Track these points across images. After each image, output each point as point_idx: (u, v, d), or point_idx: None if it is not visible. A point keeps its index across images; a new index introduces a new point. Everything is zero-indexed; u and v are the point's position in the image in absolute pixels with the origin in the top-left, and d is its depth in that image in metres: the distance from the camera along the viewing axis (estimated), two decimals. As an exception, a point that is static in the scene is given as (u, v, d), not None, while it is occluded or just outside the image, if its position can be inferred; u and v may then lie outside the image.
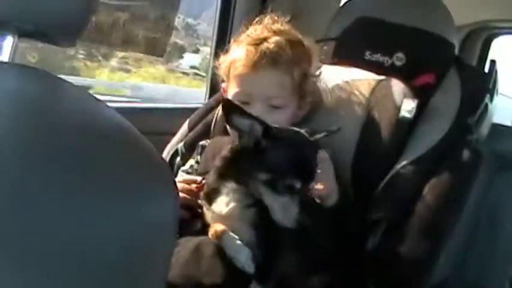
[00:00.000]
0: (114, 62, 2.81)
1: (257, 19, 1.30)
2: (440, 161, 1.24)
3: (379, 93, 1.36)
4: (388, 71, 1.41)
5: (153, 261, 0.54)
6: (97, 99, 0.60)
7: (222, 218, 1.07)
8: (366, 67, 1.43)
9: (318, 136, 1.07)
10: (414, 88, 1.34)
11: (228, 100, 1.03)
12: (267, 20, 1.29)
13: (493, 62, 1.36)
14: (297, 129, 1.04)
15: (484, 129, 1.30)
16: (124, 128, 0.57)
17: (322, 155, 1.07)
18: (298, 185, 0.96)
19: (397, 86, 1.34)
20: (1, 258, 0.41)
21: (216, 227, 1.07)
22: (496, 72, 1.34)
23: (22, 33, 0.62)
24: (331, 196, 1.10)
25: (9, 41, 0.62)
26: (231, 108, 0.95)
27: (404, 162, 1.25)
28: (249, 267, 1.00)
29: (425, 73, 1.38)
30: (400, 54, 1.42)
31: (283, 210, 0.97)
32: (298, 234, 1.02)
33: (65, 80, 0.60)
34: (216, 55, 1.36)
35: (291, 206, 0.96)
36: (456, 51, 1.51)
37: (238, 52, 1.25)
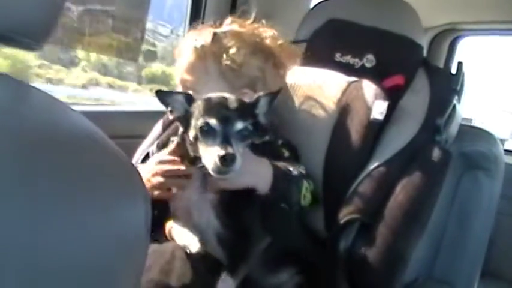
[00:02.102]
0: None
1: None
2: (410, 162, 1.26)
3: (350, 94, 1.36)
4: (359, 72, 1.42)
5: (125, 270, 0.52)
6: (64, 104, 0.58)
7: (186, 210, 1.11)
8: (337, 68, 1.44)
9: (258, 95, 1.11)
10: (384, 89, 1.35)
11: (157, 90, 1.11)
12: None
13: (460, 63, 1.38)
14: (227, 95, 1.09)
15: (453, 130, 1.32)
16: (92, 134, 0.56)
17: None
18: (215, 125, 1.01)
19: (368, 88, 1.35)
20: None
21: (168, 225, 1.14)
22: (464, 73, 1.36)
23: (-15, 38, 0.60)
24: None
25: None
26: (159, 93, 1.09)
27: (375, 164, 1.26)
28: (194, 246, 1.06)
29: (395, 75, 1.39)
30: (370, 56, 1.43)
31: (210, 157, 0.99)
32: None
33: (30, 85, 0.58)
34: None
35: (215, 154, 0.98)
36: (424, 52, 1.53)
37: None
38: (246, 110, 1.06)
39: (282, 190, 1.13)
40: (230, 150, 0.96)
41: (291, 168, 1.18)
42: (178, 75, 1.31)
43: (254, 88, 1.28)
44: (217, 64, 1.26)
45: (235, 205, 1.08)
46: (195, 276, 1.06)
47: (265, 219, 1.09)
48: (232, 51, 1.26)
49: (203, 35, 1.29)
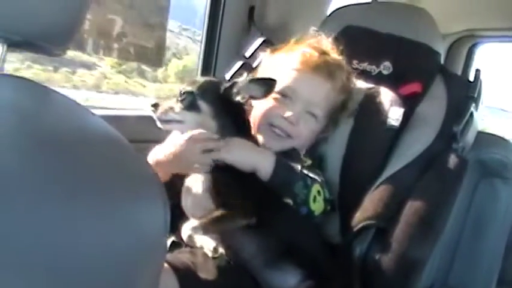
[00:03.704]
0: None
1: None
2: (427, 169, 1.26)
3: (366, 101, 1.37)
4: (376, 79, 1.42)
5: (143, 272, 0.54)
6: (84, 108, 0.60)
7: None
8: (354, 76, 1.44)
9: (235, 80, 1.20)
10: (401, 97, 1.35)
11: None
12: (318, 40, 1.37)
13: (478, 71, 1.38)
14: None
15: (470, 137, 1.31)
16: (112, 137, 0.57)
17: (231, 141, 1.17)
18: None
19: (384, 95, 1.36)
20: None
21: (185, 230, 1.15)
22: (481, 81, 1.36)
23: (10, 44, 0.62)
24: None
25: (-3, 51, 0.62)
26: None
27: (392, 170, 1.27)
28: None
29: (412, 82, 1.40)
30: (387, 63, 1.44)
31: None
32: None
33: (53, 90, 0.59)
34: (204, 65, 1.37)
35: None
36: (442, 59, 1.52)
37: (299, 50, 1.33)
38: (203, 88, 1.20)
39: (284, 178, 1.15)
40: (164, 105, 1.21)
41: (298, 167, 1.20)
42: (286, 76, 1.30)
43: None
44: (333, 93, 1.31)
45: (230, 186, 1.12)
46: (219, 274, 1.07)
47: (265, 208, 1.10)
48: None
49: (334, 57, 1.33)
